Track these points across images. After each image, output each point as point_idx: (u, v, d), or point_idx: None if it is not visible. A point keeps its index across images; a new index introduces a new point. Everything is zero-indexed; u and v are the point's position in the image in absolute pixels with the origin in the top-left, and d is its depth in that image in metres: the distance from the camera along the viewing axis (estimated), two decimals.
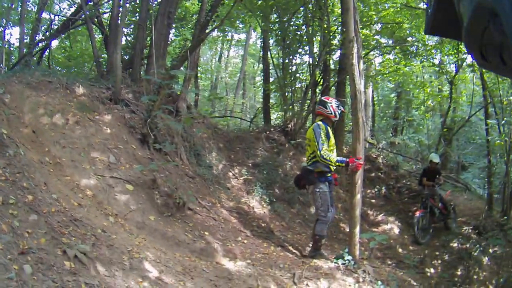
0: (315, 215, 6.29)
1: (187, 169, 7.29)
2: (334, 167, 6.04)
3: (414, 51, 13.22)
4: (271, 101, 13.72)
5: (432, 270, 8.83)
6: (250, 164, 8.94)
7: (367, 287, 5.71)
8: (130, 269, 3.82)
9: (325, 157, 5.73)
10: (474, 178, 19.54)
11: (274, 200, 8.47)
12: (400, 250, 9.39)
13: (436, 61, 15.48)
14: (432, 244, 9.96)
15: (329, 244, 7.97)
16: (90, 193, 4.95)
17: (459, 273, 9.01)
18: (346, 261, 5.87)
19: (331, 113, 6.02)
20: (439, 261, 9.30)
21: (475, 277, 8.99)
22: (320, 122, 5.97)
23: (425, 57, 14.04)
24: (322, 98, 6.40)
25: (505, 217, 9.63)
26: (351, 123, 9.34)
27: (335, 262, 5.85)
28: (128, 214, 5.14)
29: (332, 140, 6.01)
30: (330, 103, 6.07)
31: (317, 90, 12.00)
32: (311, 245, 6.44)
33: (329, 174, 6.05)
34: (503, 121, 9.71)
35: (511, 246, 8.99)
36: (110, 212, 4.82)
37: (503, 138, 9.42)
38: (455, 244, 9.80)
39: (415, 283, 7.27)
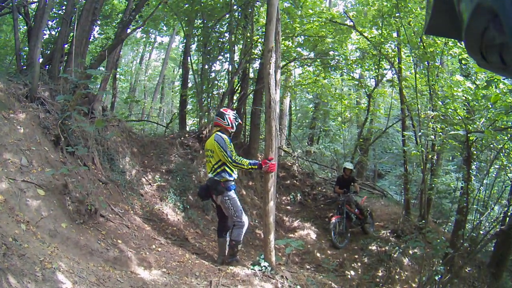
0: (230, 222, 6.26)
1: (99, 174, 6.97)
2: (235, 177, 6.21)
3: (335, 64, 13.61)
4: (188, 107, 13.53)
5: (352, 273, 9.14)
6: (164, 170, 8.73)
7: None
8: (42, 281, 3.58)
9: (237, 161, 5.84)
10: (391, 185, 20.62)
11: (188, 207, 8.35)
12: (318, 254, 9.62)
13: (356, 75, 16.16)
14: (351, 248, 10.30)
15: (246, 251, 8.00)
16: (2, 198, 4.58)
17: (380, 274, 9.40)
18: (263, 267, 5.86)
19: (228, 125, 6.16)
20: (359, 264, 9.64)
21: (396, 277, 9.45)
22: (219, 133, 6.07)
23: (345, 71, 14.59)
24: (221, 109, 6.49)
25: (423, 221, 10.15)
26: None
27: (251, 269, 5.82)
28: (40, 221, 4.79)
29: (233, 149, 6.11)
30: (228, 114, 6.20)
31: (234, 97, 12.05)
32: (227, 252, 6.41)
33: (233, 183, 6.17)
34: (420, 133, 10.27)
35: (430, 247, 9.50)
36: (21, 219, 4.47)
37: (420, 148, 9.95)
38: (374, 247, 10.22)
39: (336, 286, 7.44)
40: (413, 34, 9.85)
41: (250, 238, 8.85)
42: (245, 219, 6.20)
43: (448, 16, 0.95)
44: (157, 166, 8.77)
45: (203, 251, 6.74)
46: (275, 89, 5.98)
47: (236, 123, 6.30)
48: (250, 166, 5.85)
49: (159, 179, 8.51)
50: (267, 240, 6.05)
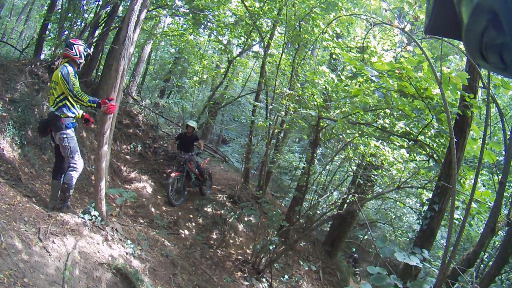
0: (66, 163, 5.87)
1: None
2: (77, 115, 5.92)
3: (206, 23, 13.44)
4: (50, 34, 12.20)
5: (186, 232, 9.22)
6: (7, 99, 7.73)
7: (117, 245, 5.68)
8: None
9: (78, 96, 5.56)
10: (233, 153, 21.29)
11: (26, 143, 7.53)
12: (152, 209, 9.52)
13: (224, 40, 16.10)
14: (186, 207, 10.38)
15: (80, 198, 7.56)
16: None
17: (214, 236, 9.63)
18: (93, 217, 5.76)
19: (76, 55, 5.84)
20: (193, 224, 9.76)
21: (231, 241, 9.76)
22: (66, 64, 5.72)
23: (214, 33, 14.44)
24: (70, 40, 6.10)
25: (261, 191, 10.57)
26: None
27: (81, 217, 5.66)
28: None
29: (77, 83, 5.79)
30: (77, 44, 5.87)
31: (97, 32, 11.38)
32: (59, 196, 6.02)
33: (74, 120, 5.89)
34: (271, 106, 10.62)
35: (266, 217, 9.95)
36: None
37: (268, 122, 10.24)
38: (210, 210, 10.46)
39: (169, 244, 7.47)
40: (293, 17, 10.06)
41: (85, 184, 8.37)
42: (80, 162, 5.92)
43: (448, 16, 0.95)
44: (2, 93, 7.72)
45: (35, 193, 6.20)
46: (134, 28, 5.81)
47: (85, 53, 5.96)
48: (89, 103, 5.58)
49: (1, 109, 7.53)
50: (98, 187, 5.88)
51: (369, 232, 14.48)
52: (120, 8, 12.29)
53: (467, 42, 0.83)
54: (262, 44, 12.30)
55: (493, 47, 0.77)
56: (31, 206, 5.36)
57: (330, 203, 11.77)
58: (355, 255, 16.96)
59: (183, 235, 9.09)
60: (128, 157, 11.65)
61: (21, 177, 6.53)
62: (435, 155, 5.92)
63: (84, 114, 6.17)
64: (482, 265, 6.63)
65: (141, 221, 8.59)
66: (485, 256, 7.04)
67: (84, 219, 5.64)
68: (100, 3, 10.84)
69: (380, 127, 6.92)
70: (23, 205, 5.20)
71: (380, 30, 9.93)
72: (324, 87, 8.87)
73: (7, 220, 4.50)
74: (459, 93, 5.01)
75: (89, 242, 5.26)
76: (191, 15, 13.13)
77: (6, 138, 7.08)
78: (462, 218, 5.84)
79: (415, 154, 7.31)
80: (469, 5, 0.77)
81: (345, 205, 9.99)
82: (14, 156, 7.00)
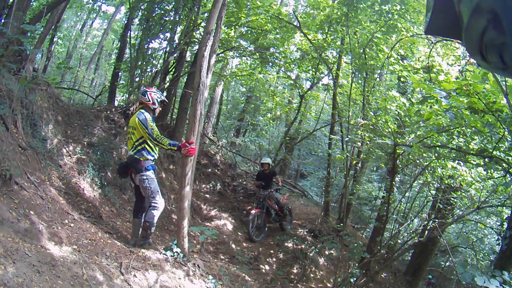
0: (147, 203, 6.15)
1: (20, 139, 6.55)
2: (156, 157, 6.16)
3: (273, 60, 13.65)
4: (121, 82, 13.10)
5: (266, 267, 9.20)
6: (86, 143, 8.30)
7: (198, 280, 5.74)
8: None
9: (158, 140, 5.79)
10: (312, 187, 21.05)
11: (106, 183, 8.02)
12: (233, 246, 9.60)
13: (293, 76, 16.33)
14: (267, 243, 10.37)
15: (160, 235, 7.86)
16: None
17: (294, 271, 9.54)
18: (175, 253, 5.87)
19: (149, 101, 6.10)
20: (274, 259, 9.72)
21: (311, 275, 9.64)
22: (143, 111, 6.01)
23: (282, 69, 14.68)
24: (144, 88, 6.52)
25: (341, 224, 10.40)
26: None
27: (163, 254, 5.80)
28: None
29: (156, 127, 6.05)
30: (150, 91, 6.17)
31: (168, 78, 11.90)
32: (140, 233, 6.29)
33: (153, 162, 6.11)
34: (347, 138, 10.52)
35: (347, 250, 9.75)
36: None
37: (345, 153, 10.19)
38: (290, 244, 10.38)
39: (249, 279, 7.47)
40: (356, 45, 10.10)
41: (166, 222, 8.70)
42: (161, 201, 6.15)
43: (448, 16, 0.95)
44: (80, 138, 8.35)
45: (116, 230, 6.53)
46: (206, 73, 6.03)
47: (159, 100, 6.23)
48: (169, 147, 5.80)
49: (80, 152, 8.10)
50: (181, 226, 6.04)
51: (450, 258, 13.63)
52: (188, 53, 12.82)
53: (467, 42, 0.83)
54: (331, 75, 12.33)
55: (493, 47, 0.77)
56: (113, 242, 5.66)
57: (411, 231, 11.25)
58: (432, 281, 16.02)
59: (263, 271, 9.07)
60: (207, 195, 11.96)
61: (102, 215, 6.89)
62: (511, 170, 5.57)
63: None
64: None
65: (222, 257, 8.70)
66: None
67: (166, 255, 5.77)
68: (167, 49, 11.40)
69: (455, 147, 6.66)
70: (104, 241, 5.51)
71: (442, 45, 9.63)
72: (396, 112, 8.69)
73: (89, 254, 4.79)
74: None
75: (171, 277, 5.37)
76: (257, 54, 13.42)
77: (86, 179, 7.58)
78: None
79: (492, 171, 6.89)
80: (469, 5, 0.78)
81: (426, 232, 9.49)
82: (94, 195, 7.45)
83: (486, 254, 14.57)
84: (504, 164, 5.63)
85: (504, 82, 4.08)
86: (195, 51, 12.52)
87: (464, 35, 0.83)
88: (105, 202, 7.61)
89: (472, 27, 0.79)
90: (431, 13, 1.01)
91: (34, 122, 7.26)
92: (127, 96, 11.68)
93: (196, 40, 11.99)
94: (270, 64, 13.91)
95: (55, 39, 16.40)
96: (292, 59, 13.88)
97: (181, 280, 5.48)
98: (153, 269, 5.27)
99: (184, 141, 5.88)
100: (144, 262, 5.32)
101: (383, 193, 10.94)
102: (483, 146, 5.88)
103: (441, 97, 4.99)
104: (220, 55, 12.66)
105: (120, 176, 6.55)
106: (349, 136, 10.68)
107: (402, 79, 11.91)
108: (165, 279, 5.24)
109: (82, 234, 5.41)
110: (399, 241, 10.68)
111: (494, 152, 5.52)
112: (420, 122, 7.64)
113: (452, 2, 0.89)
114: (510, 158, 5.70)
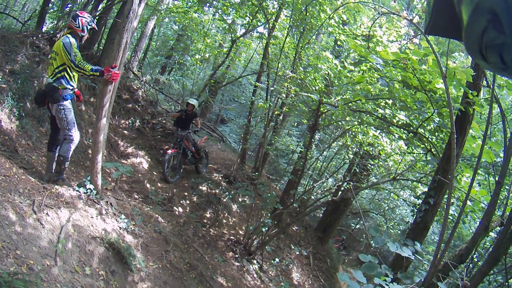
0: (62, 135, 5.87)
1: None
2: (74, 86, 5.88)
3: (211, 2, 13.33)
4: (53, 7, 12.03)
5: (180, 209, 9.24)
6: (7, 70, 7.64)
7: (110, 220, 5.70)
8: None
9: (80, 66, 5.53)
10: (231, 133, 21.22)
11: (24, 115, 7.47)
12: (148, 185, 9.51)
13: (229, 20, 15.94)
14: (181, 185, 10.37)
15: (75, 171, 7.54)
16: None
17: (207, 215, 9.66)
18: (88, 190, 5.75)
19: (79, 27, 5.78)
20: (188, 202, 9.77)
21: (224, 221, 9.81)
22: (69, 35, 5.68)
23: (219, 11, 14.31)
24: (76, 11, 6.12)
25: (256, 173, 10.57)
26: None
27: (77, 190, 5.64)
28: None
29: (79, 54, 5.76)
30: (81, 16, 5.82)
31: (100, 6, 11.27)
32: (54, 168, 6.01)
33: (72, 92, 5.83)
34: (272, 87, 10.52)
35: (260, 199, 9.97)
36: None
37: (268, 103, 10.22)
38: (205, 188, 10.45)
39: (162, 220, 7.49)
40: (300, 0, 9.94)
41: (82, 158, 8.33)
42: (76, 134, 5.88)
43: (448, 16, 0.95)
44: (2, 64, 7.64)
45: (31, 165, 6.18)
46: (139, 2, 5.83)
47: (89, 27, 5.88)
48: (92, 72, 5.55)
49: (1, 80, 7.46)
50: (95, 161, 5.89)
51: (361, 221, 14.61)
52: None
53: (467, 42, 0.84)
54: (267, 25, 12.18)
55: (493, 47, 0.77)
56: (27, 178, 5.35)
57: (325, 189, 11.82)
58: (344, 240, 17.15)
59: (177, 213, 9.10)
60: (126, 132, 11.60)
61: (18, 149, 6.50)
62: (433, 150, 5.91)
63: (76, 90, 6.04)
64: (471, 265, 6.67)
65: (136, 196, 8.59)
66: (475, 255, 7.09)
67: (79, 192, 5.62)
68: None
69: (380, 116, 6.90)
70: (18, 177, 5.18)
71: (387, 20, 9.81)
72: (326, 72, 8.80)
73: (2, 191, 4.48)
74: (462, 89, 4.99)
75: (83, 215, 5.25)
76: None
77: (4, 110, 7.02)
78: (456, 214, 5.86)
79: (413, 147, 7.29)
80: (469, 5, 0.78)
81: (340, 192, 9.99)
82: (11, 127, 6.96)
83: (396, 224, 15.74)
84: (426, 143, 5.95)
85: (445, 67, 4.20)
86: None
87: (464, 35, 0.83)
88: (22, 135, 7.13)
89: (472, 27, 0.79)
90: (431, 13, 1.02)
91: None
92: (56, 22, 10.96)
93: None
94: (208, 4, 13.48)
95: None
96: (231, 3, 13.52)
97: (93, 219, 5.39)
98: (66, 207, 5.11)
99: (108, 66, 5.64)
100: (57, 200, 5.14)
101: (301, 149, 11.23)
102: (409, 121, 6.14)
103: (377, 64, 5.08)
104: None
105: (38, 105, 6.16)
106: (274, 86, 10.69)
107: (338, 43, 12.06)
108: (78, 217, 5.11)
109: None
110: (312, 197, 11.17)
111: (419, 130, 5.80)
112: (349, 86, 7.81)
113: (452, 2, 0.89)
114: (433, 138, 6.03)
